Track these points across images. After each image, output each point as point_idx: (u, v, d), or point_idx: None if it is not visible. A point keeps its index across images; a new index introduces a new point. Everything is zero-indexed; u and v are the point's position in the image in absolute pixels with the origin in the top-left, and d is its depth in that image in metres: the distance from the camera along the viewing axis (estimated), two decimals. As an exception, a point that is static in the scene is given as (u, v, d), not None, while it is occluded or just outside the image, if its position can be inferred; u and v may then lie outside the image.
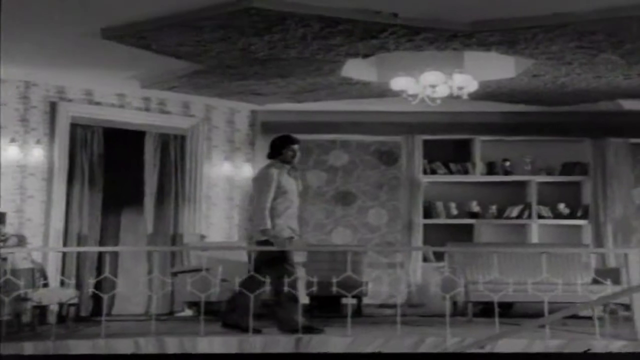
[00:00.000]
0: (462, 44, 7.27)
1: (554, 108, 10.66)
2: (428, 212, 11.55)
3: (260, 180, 7.10)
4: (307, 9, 6.37)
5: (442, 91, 8.35)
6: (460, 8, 6.58)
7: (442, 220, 11.55)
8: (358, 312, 10.28)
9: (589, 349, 6.64)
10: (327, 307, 10.27)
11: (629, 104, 10.54)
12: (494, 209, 11.52)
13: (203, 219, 10.99)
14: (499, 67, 8.49)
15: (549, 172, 11.63)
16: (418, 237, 11.41)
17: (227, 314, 7.10)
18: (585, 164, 11.54)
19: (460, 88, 8.19)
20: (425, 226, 11.51)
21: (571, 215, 11.48)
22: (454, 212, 11.60)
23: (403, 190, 11.52)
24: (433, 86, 8.14)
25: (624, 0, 6.32)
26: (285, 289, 6.80)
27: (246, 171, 11.27)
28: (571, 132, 11.51)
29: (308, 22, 6.64)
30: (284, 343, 6.61)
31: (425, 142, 11.62)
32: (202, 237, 10.92)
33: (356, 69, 8.68)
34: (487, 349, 6.47)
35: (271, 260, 6.93)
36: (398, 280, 11.44)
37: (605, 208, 11.29)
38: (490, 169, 11.62)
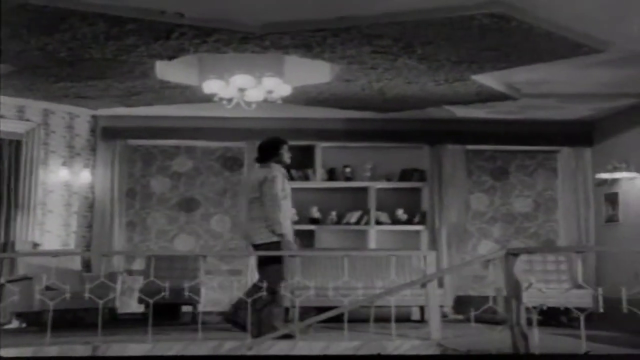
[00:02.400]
0: (259, 47, 7.26)
1: (393, 115, 10.78)
2: (268, 218, 11.51)
3: (269, 183, 7.05)
4: (87, 6, 6.27)
5: (255, 95, 8.34)
6: (251, 10, 6.57)
7: (281, 226, 11.53)
8: (194, 319, 10.18)
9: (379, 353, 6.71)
10: (165, 315, 10.13)
11: (462, 112, 10.74)
12: (334, 214, 11.59)
13: (37, 226, 10.71)
14: (315, 72, 8.52)
15: (389, 179, 11.76)
16: (259, 243, 11.33)
17: (234, 313, 7.12)
18: (423, 171, 11.72)
19: (270, 92, 8.19)
20: (266, 231, 11.48)
21: (409, 221, 11.63)
22: (295, 218, 11.59)
23: (244, 196, 11.44)
24: (242, 89, 8.11)
25: (407, 5, 6.37)
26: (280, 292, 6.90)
27: (85, 177, 11.08)
28: (410, 139, 11.69)
29: (92, 20, 6.53)
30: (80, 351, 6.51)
31: (268, 148, 11.57)
32: (35, 245, 10.65)
33: (174, 72, 8.60)
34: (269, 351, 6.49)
35: (272, 263, 6.94)
36: (239, 287, 11.36)
37: (441, 213, 11.47)
38: (331, 175, 11.69)
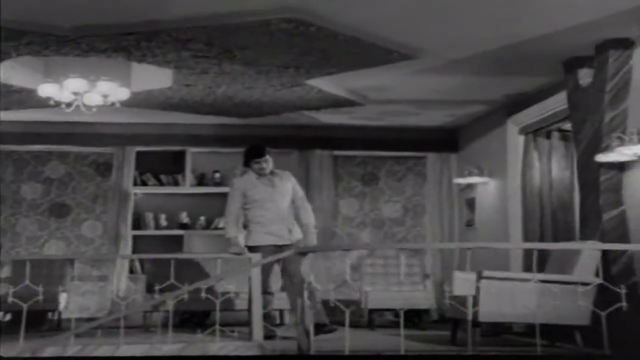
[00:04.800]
0: (78, 49, 7.33)
1: (263, 120, 10.92)
2: (137, 224, 11.60)
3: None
4: None
5: (94, 99, 8.42)
6: (61, 12, 6.61)
7: (151, 232, 11.63)
8: (58, 325, 10.23)
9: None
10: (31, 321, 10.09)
11: (327, 118, 10.94)
12: (203, 220, 11.70)
13: None
14: (158, 77, 8.63)
15: (258, 184, 11.87)
16: (126, 249, 11.42)
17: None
18: (292, 176, 11.88)
19: (106, 96, 8.28)
20: (136, 237, 11.57)
21: (279, 226, 11.77)
22: (164, 223, 11.70)
23: (112, 202, 11.52)
24: (76, 93, 8.19)
25: (206, 9, 6.49)
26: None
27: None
28: (280, 145, 11.82)
29: None
30: None
31: (140, 153, 11.68)
32: None
33: (18, 76, 8.61)
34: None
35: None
36: (105, 293, 11.42)
37: (307, 218, 11.62)
38: (201, 180, 11.80)
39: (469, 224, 11.23)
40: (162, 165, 11.88)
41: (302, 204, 7.79)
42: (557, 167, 9.28)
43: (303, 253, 6.36)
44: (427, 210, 12.12)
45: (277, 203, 7.59)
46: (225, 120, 10.93)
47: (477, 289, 6.88)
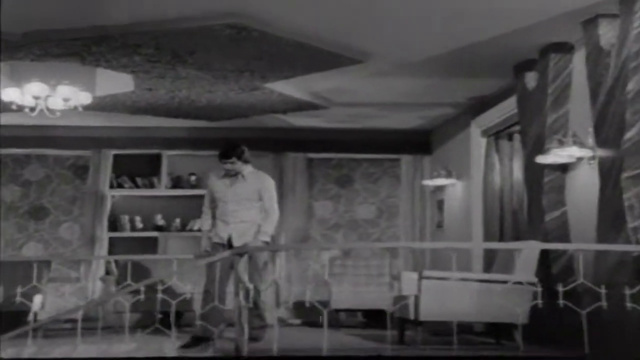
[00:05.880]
0: (33, 54, 7.52)
1: (237, 123, 11.06)
2: (113, 226, 11.79)
3: None
4: None
5: (57, 103, 8.59)
6: (10, 19, 6.77)
7: (127, 234, 11.81)
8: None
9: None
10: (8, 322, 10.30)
11: (299, 121, 11.09)
12: (178, 222, 11.86)
13: None
14: (120, 82, 8.81)
15: (233, 186, 12.05)
16: (102, 250, 11.60)
17: None
18: (266, 178, 12.05)
19: (67, 100, 8.45)
20: (112, 239, 11.75)
21: (256, 227, 11.96)
22: (139, 225, 11.88)
23: (88, 204, 11.71)
24: (37, 97, 8.36)
25: (150, 15, 6.65)
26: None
27: None
28: (255, 147, 11.95)
29: None
30: None
31: (116, 156, 11.87)
32: None
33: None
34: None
35: None
36: (82, 294, 11.60)
37: (281, 219, 11.75)
38: (177, 183, 11.96)
39: (439, 225, 11.35)
40: (138, 168, 12.05)
41: (268, 209, 7.66)
42: (518, 169, 9.39)
43: (240, 254, 6.49)
44: (401, 212, 12.23)
45: (230, 205, 7.61)
46: (199, 123, 11.10)
47: (419, 289, 7.00)
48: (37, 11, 6.65)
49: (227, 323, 7.05)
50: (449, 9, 6.52)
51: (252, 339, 6.57)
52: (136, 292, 7.98)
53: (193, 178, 11.99)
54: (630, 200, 5.87)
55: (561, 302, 5.59)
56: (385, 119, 11.01)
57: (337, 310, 10.37)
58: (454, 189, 10.82)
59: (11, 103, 8.51)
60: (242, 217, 7.63)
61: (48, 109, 8.64)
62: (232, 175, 7.65)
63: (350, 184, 12.42)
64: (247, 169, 7.68)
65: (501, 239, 9.27)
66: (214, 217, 7.72)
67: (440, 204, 11.35)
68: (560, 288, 5.53)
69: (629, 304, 5.34)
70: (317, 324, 10.66)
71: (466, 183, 10.34)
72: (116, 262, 11.39)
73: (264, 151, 11.99)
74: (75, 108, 8.66)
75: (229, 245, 7.59)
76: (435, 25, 6.96)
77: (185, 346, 7.14)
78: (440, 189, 11.31)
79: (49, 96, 8.46)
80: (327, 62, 7.75)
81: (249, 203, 7.65)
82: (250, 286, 6.37)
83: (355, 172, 12.44)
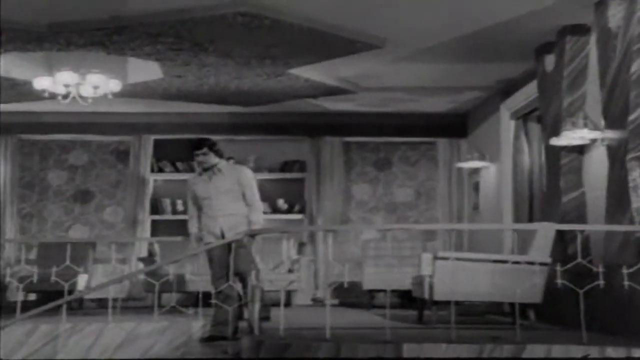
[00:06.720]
0: (59, 44, 7.76)
1: (274, 108, 11.22)
2: (155, 209, 12.09)
3: None
4: None
5: (89, 91, 8.87)
6: (35, 11, 7.05)
7: (169, 216, 12.10)
8: (80, 305, 10.84)
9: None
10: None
11: (334, 105, 11.20)
12: (217, 204, 12.09)
13: None
14: (148, 70, 9.04)
15: (271, 170, 12.26)
16: (144, 232, 11.92)
17: None
18: (304, 162, 12.22)
19: (96, 87, 8.72)
20: (154, 222, 12.07)
21: (289, 210, 12.14)
22: (180, 208, 12.14)
23: (130, 188, 12.02)
24: (67, 85, 8.65)
25: (165, 4, 6.84)
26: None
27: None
28: (292, 132, 12.19)
29: None
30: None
31: (157, 141, 12.15)
32: None
33: (21, 70, 9.10)
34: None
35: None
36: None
37: (319, 203, 11.95)
38: (216, 166, 12.17)
39: (475, 207, 11.36)
40: (178, 152, 12.29)
41: (250, 201, 7.36)
42: (547, 151, 9.34)
43: (252, 235, 6.64)
44: (439, 195, 12.27)
45: (214, 200, 7.29)
46: (234, 109, 11.28)
47: (433, 269, 7.07)
48: (60, 2, 6.87)
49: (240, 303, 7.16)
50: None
51: (263, 318, 6.68)
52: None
53: (232, 162, 12.14)
54: (635, 180, 5.85)
55: (559, 281, 5.61)
56: (416, 102, 11.05)
57: (370, 291, 10.50)
58: (488, 172, 10.81)
59: (44, 91, 8.80)
60: (229, 210, 7.33)
61: (80, 96, 8.92)
62: (208, 169, 7.40)
63: (389, 167, 12.49)
64: (222, 163, 7.46)
65: (530, 220, 9.24)
66: (200, 220, 7.50)
67: (476, 186, 11.35)
68: (559, 267, 5.57)
69: (626, 283, 5.31)
70: (354, 305, 10.92)
71: (498, 165, 10.32)
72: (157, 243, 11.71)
73: (301, 136, 12.18)
74: (105, 95, 8.92)
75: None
76: (446, 10, 6.99)
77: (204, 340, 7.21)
78: (475, 171, 11.31)
79: (79, 84, 8.75)
80: (344, 48, 7.84)
81: (232, 194, 7.36)
82: (261, 267, 6.51)
83: (393, 156, 12.50)
